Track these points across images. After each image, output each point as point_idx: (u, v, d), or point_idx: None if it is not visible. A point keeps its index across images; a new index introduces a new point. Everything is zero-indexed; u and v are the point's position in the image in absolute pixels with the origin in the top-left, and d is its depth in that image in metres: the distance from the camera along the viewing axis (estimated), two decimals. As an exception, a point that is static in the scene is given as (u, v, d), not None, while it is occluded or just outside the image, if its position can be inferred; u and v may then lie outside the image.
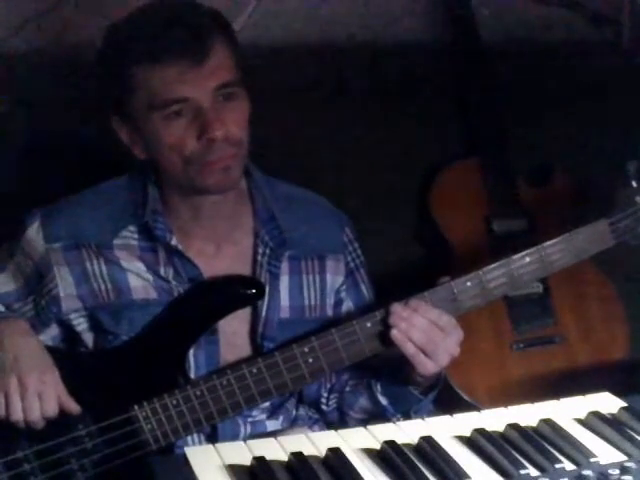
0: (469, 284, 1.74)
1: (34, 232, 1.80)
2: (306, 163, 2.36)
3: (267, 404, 1.84)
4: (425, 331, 1.70)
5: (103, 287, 1.79)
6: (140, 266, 1.79)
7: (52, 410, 1.67)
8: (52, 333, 1.83)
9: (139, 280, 1.79)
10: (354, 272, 1.93)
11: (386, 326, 1.72)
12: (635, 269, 2.55)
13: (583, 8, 2.59)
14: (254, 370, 1.71)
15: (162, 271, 1.79)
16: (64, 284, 1.79)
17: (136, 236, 1.80)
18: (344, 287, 1.92)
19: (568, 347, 2.44)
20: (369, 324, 1.73)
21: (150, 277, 1.79)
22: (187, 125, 1.68)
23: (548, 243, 1.76)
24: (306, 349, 1.72)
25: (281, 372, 1.72)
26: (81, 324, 1.81)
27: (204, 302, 1.78)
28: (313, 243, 1.87)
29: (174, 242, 1.78)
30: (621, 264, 2.52)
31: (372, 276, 1.99)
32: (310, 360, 1.72)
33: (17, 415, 1.66)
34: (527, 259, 1.75)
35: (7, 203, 2.16)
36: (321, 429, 1.91)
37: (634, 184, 1.79)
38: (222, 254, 1.83)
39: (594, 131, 2.55)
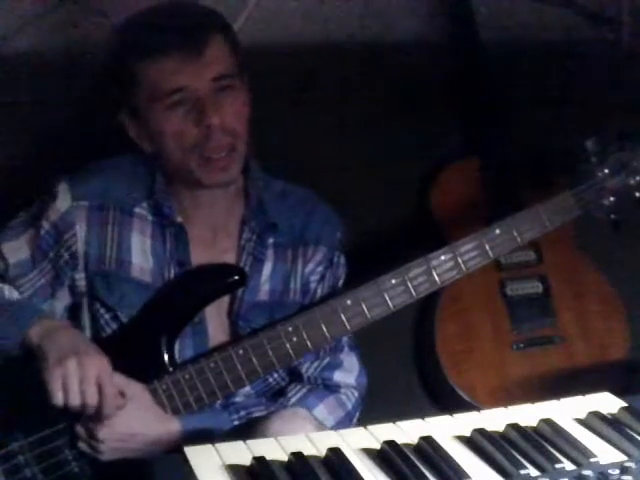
0: (443, 258, 1.81)
1: (60, 192, 1.84)
2: (306, 163, 2.36)
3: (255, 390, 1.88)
4: None
5: (109, 254, 1.84)
6: (148, 243, 1.84)
7: (112, 395, 1.67)
8: (66, 301, 1.86)
9: (140, 259, 1.83)
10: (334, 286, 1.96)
11: None
12: (635, 269, 2.55)
13: (583, 7, 2.59)
14: (240, 351, 1.76)
15: (167, 249, 1.83)
16: (81, 241, 1.83)
17: (149, 210, 1.85)
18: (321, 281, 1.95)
19: (568, 347, 2.44)
20: (349, 302, 1.79)
21: (151, 260, 1.84)
22: (186, 114, 1.75)
23: (516, 215, 1.84)
24: (290, 328, 1.78)
25: (266, 352, 1.76)
26: (80, 287, 1.85)
27: (190, 290, 1.83)
28: (300, 233, 1.92)
29: (180, 219, 1.84)
30: (621, 264, 2.52)
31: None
32: (294, 339, 1.78)
33: (75, 399, 1.64)
34: (497, 231, 1.83)
35: (6, 203, 2.15)
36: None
37: (593, 160, 1.88)
38: (216, 242, 1.88)
39: (594, 131, 2.55)
